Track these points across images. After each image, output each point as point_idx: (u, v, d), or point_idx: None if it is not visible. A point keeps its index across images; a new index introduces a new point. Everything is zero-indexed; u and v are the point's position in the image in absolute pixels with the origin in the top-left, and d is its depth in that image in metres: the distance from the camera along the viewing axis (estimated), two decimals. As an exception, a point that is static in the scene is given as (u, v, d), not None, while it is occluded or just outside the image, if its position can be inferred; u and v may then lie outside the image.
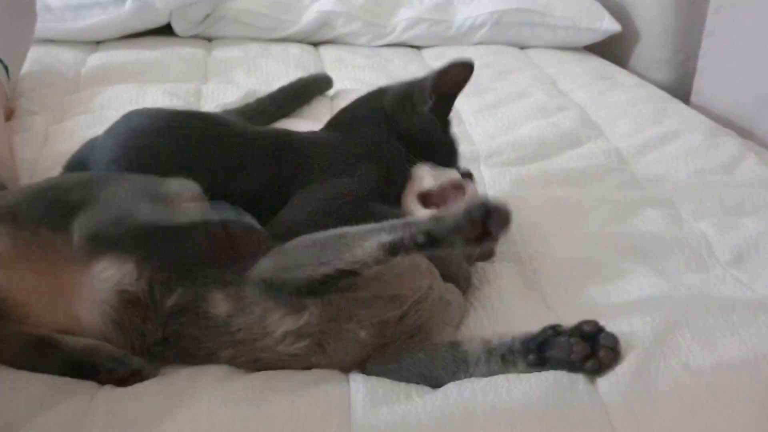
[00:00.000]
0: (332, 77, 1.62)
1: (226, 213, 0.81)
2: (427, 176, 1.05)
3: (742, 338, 0.83)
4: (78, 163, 1.03)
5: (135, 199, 0.83)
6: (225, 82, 1.55)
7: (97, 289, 0.79)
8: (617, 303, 0.93)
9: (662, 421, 0.74)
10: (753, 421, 0.74)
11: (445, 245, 0.76)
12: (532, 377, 0.78)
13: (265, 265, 0.80)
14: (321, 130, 1.11)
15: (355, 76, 1.66)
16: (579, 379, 0.78)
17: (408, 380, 0.81)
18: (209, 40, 1.85)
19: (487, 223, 0.74)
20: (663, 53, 1.89)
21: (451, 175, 1.06)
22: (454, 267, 0.92)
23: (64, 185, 0.85)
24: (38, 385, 0.78)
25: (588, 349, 0.78)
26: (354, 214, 0.91)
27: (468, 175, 1.08)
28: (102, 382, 0.79)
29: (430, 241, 0.75)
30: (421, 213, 1.01)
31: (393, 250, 0.76)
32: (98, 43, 1.76)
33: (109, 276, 0.79)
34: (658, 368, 0.79)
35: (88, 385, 0.78)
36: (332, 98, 1.54)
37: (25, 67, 1.52)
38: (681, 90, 1.83)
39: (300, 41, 1.87)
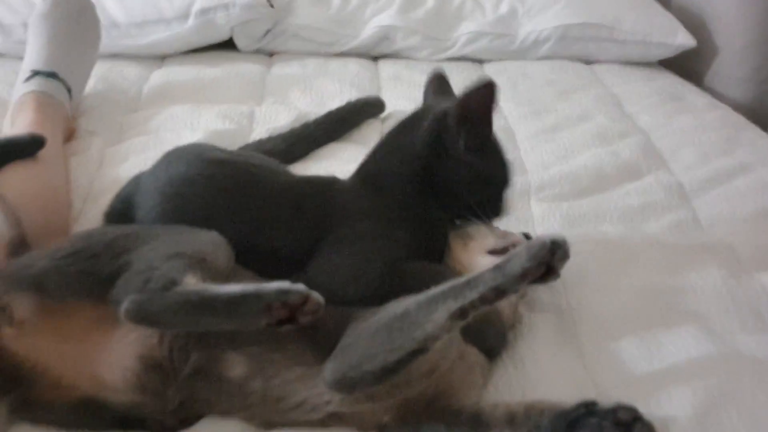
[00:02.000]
0: (387, 96, 1.60)
1: (280, 283, 0.77)
2: (490, 235, 0.99)
3: (794, 418, 0.77)
4: (123, 200, 1.05)
5: (176, 266, 0.80)
6: (279, 103, 1.55)
7: (120, 354, 0.80)
8: (659, 368, 0.87)
9: None
10: None
11: (512, 293, 0.75)
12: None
13: (335, 367, 0.77)
14: (351, 179, 1.04)
15: (410, 95, 1.63)
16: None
17: None
18: (270, 55, 1.85)
19: (551, 261, 0.75)
20: (743, 70, 1.78)
21: (514, 237, 0.99)
22: (482, 325, 0.88)
23: (93, 250, 0.84)
24: None
25: None
26: (388, 278, 0.89)
27: (527, 237, 1.02)
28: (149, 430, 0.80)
29: (500, 292, 0.75)
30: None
31: (463, 314, 0.75)
32: (163, 59, 1.79)
33: (131, 341, 0.80)
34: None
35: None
36: (383, 120, 1.51)
37: (90, 84, 1.55)
38: (762, 110, 1.72)
39: (359, 55, 1.85)
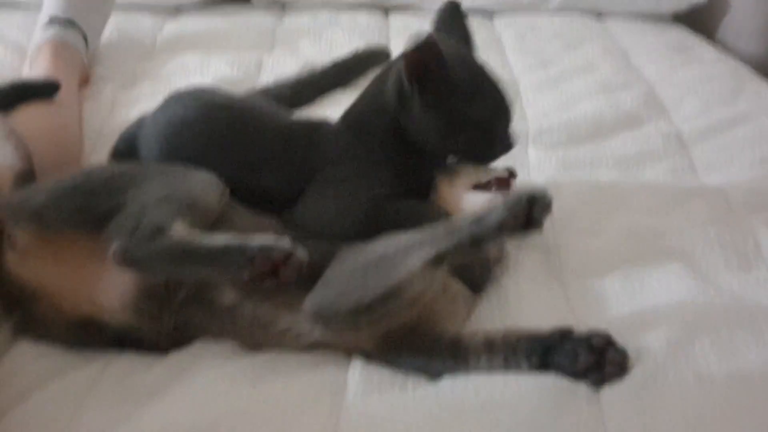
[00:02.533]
0: (397, 47, 1.61)
1: (265, 238, 0.80)
2: (474, 171, 1.01)
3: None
4: (126, 141, 1.10)
5: (165, 211, 0.83)
6: (288, 52, 1.58)
7: (118, 281, 0.84)
8: (639, 305, 0.89)
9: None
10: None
11: (491, 244, 0.78)
12: (530, 378, 0.77)
13: (313, 299, 0.80)
14: (338, 122, 1.05)
15: (419, 46, 1.64)
16: (580, 387, 0.77)
17: (407, 371, 0.82)
18: (282, 6, 1.87)
19: (530, 213, 0.76)
20: (755, 23, 1.76)
21: (497, 172, 1.01)
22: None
23: (90, 187, 0.88)
24: (54, 355, 0.85)
25: (593, 361, 0.76)
26: (372, 214, 0.92)
27: (511, 174, 1.03)
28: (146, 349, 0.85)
29: (476, 243, 0.76)
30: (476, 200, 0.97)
31: (439, 261, 0.78)
32: (177, 10, 1.82)
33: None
34: (667, 378, 0.77)
35: (106, 355, 0.84)
36: (390, 70, 1.53)
37: (106, 33, 1.59)
38: (773, 63, 1.71)
39: (371, 6, 1.86)
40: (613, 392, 0.76)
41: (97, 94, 1.40)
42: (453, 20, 1.09)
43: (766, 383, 0.76)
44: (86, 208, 0.85)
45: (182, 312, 0.84)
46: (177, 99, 1.06)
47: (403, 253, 0.78)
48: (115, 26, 1.64)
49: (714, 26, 1.87)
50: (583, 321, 0.88)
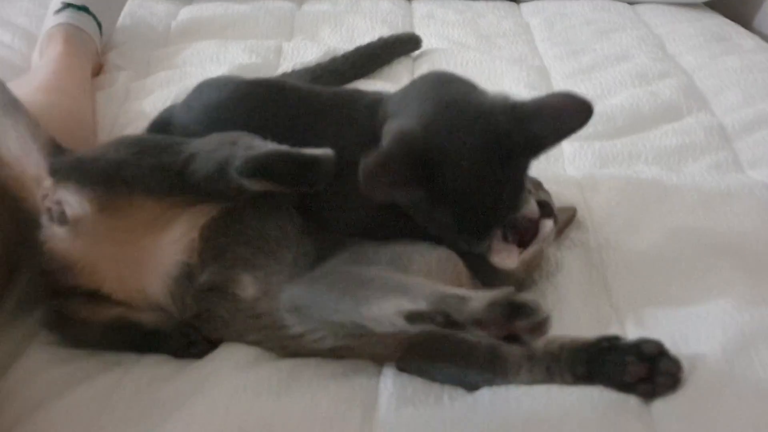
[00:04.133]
0: (421, 34, 1.55)
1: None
2: None
3: (829, 357, 0.73)
4: (159, 130, 1.05)
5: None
6: (308, 39, 1.52)
7: (166, 260, 0.80)
8: (689, 309, 0.83)
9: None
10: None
11: (467, 330, 0.63)
12: (576, 391, 0.72)
13: (292, 292, 0.76)
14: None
15: (443, 34, 1.58)
16: (629, 399, 0.71)
17: (441, 382, 0.76)
18: (302, -9, 1.81)
19: (513, 324, 0.61)
20: (793, 11, 1.69)
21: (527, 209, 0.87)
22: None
23: (159, 145, 0.84)
24: (67, 364, 0.81)
25: (645, 372, 0.70)
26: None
27: (546, 206, 0.90)
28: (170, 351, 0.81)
29: (450, 323, 0.63)
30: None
31: (411, 319, 0.65)
32: (192, -5, 1.76)
33: (177, 247, 0.80)
34: (724, 393, 0.71)
35: (122, 363, 0.80)
36: (415, 59, 1.47)
37: (119, 20, 1.54)
38: (813, 54, 1.63)
39: (393, -7, 1.79)
40: (665, 405, 0.71)
41: (111, 82, 1.35)
42: (560, 115, 0.83)
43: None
44: (161, 165, 0.81)
45: (204, 300, 0.80)
46: (208, 85, 1.01)
47: (382, 295, 0.68)
48: (128, 13, 1.58)
49: (750, 14, 1.79)
50: (629, 327, 0.83)
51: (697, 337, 0.78)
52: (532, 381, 0.74)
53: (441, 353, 0.77)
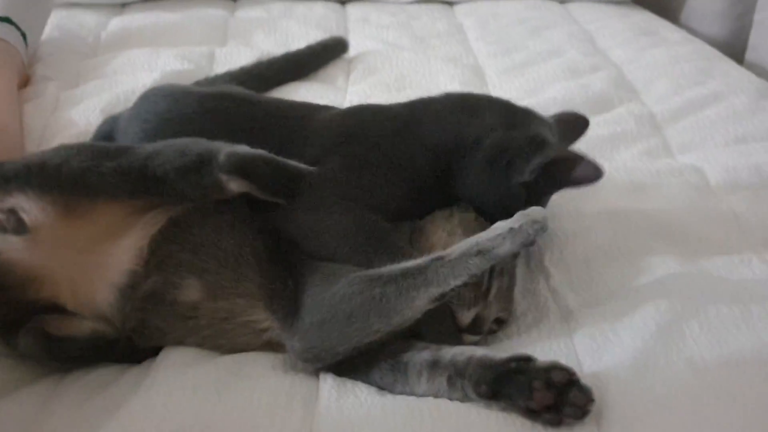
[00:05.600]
0: (356, 38, 1.56)
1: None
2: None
3: (758, 332, 0.75)
4: (102, 138, 1.03)
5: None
6: (242, 45, 1.51)
7: (116, 268, 0.78)
8: (623, 286, 0.85)
9: (656, 424, 0.67)
10: (761, 424, 0.66)
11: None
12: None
13: (307, 342, 0.74)
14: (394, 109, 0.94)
15: (378, 36, 1.59)
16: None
17: (354, 379, 0.75)
18: (234, 0, 1.80)
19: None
20: (717, 5, 1.74)
21: None
22: None
23: (113, 151, 0.82)
24: (11, 367, 0.78)
25: (551, 400, 0.66)
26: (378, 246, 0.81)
27: None
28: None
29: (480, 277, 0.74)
30: None
31: (442, 298, 0.73)
32: (123, 6, 1.73)
33: (128, 255, 0.78)
34: (657, 364, 0.73)
35: (59, 370, 0.78)
36: (351, 61, 1.47)
37: (46, 31, 1.50)
38: (737, 46, 1.68)
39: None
40: (603, 381, 0.71)
41: (38, 94, 1.30)
42: (570, 130, 1.00)
43: (758, 366, 0.71)
44: (123, 166, 0.79)
45: (142, 309, 0.78)
46: (160, 96, 0.99)
47: (407, 296, 0.72)
48: (55, 24, 1.55)
49: (677, 9, 1.85)
50: (567, 306, 0.85)
51: (632, 315, 0.79)
52: (432, 392, 0.71)
53: (347, 357, 0.75)
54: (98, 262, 0.78)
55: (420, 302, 0.72)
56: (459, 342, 0.77)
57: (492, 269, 0.80)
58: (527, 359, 0.69)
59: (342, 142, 0.89)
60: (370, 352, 0.74)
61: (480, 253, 0.72)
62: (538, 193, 0.88)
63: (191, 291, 0.78)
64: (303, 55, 1.38)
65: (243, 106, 0.96)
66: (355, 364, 0.74)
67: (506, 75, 1.41)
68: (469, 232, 0.83)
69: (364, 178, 0.86)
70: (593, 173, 0.85)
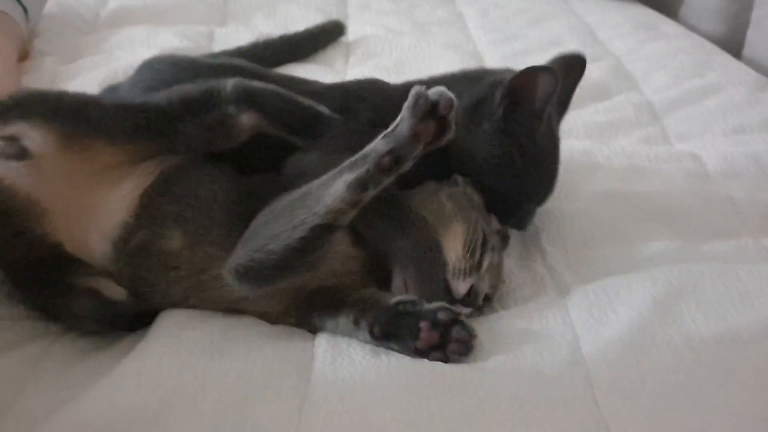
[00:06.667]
0: (356, 23, 1.56)
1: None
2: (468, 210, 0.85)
3: (755, 310, 0.75)
4: None
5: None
6: (242, 26, 1.50)
7: (111, 217, 0.77)
8: (620, 265, 0.85)
9: (652, 399, 0.67)
10: (756, 401, 0.67)
11: (410, 156, 0.71)
12: (514, 347, 0.72)
13: (238, 253, 0.74)
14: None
15: (378, 22, 1.59)
16: (562, 348, 0.72)
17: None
18: (234, -18, 1.79)
19: (436, 113, 0.71)
20: (715, 3, 1.74)
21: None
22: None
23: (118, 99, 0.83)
24: (5, 330, 0.77)
25: (436, 339, 0.70)
26: None
27: (503, 236, 0.89)
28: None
29: (395, 159, 0.71)
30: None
31: (362, 185, 0.71)
32: (122, -15, 1.72)
33: (122, 204, 0.78)
34: (654, 339, 0.73)
35: (51, 333, 0.77)
36: (350, 44, 1.47)
37: (46, 7, 1.50)
38: (734, 42, 1.68)
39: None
40: (598, 355, 0.71)
41: (36, 67, 1.31)
42: (569, 72, 0.96)
43: (754, 344, 0.72)
44: (126, 105, 0.80)
45: (132, 262, 0.77)
46: (158, 63, 0.98)
47: (325, 185, 0.72)
48: (55, 2, 1.54)
49: (675, 6, 1.85)
50: (565, 285, 0.84)
51: (628, 291, 0.79)
52: (345, 331, 0.73)
53: (316, 305, 0.76)
54: (94, 205, 0.78)
55: (337, 188, 0.71)
56: None
57: (484, 242, 0.80)
58: (413, 302, 0.71)
59: (351, 105, 0.88)
60: (337, 301, 0.75)
61: (385, 135, 0.72)
62: (520, 135, 0.85)
63: (174, 241, 0.78)
64: (300, 37, 1.38)
65: (253, 77, 0.95)
66: (324, 311, 0.75)
67: (506, 62, 1.40)
68: (458, 205, 0.83)
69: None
70: (555, 77, 0.82)
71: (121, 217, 0.78)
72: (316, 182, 0.73)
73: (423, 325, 0.69)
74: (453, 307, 0.71)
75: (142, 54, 1.28)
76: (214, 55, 1.24)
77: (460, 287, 0.77)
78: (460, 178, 0.86)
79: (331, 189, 0.71)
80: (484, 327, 0.77)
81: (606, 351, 0.72)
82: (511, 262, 0.88)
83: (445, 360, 0.69)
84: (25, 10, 1.38)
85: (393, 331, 0.71)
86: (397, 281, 0.77)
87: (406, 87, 0.80)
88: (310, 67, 1.34)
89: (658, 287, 0.78)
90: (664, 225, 0.92)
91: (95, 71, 1.26)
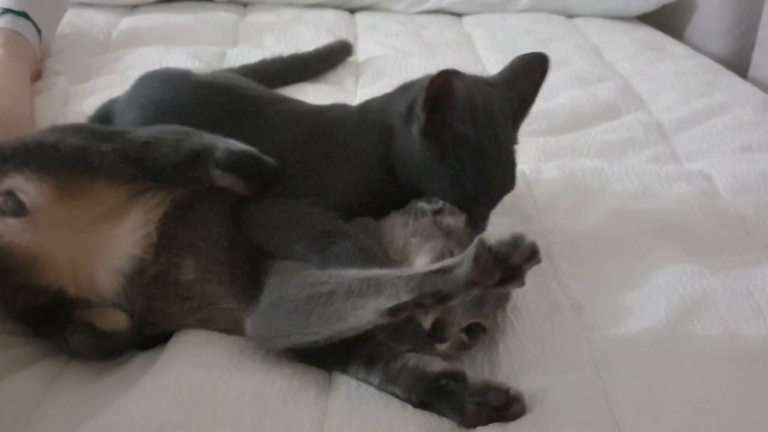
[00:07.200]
0: (365, 44, 1.58)
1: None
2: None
3: (768, 326, 0.76)
4: (100, 120, 1.03)
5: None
6: (253, 47, 1.52)
7: (120, 253, 0.77)
8: (633, 283, 0.85)
9: (670, 414, 0.68)
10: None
11: (460, 297, 0.64)
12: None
13: (255, 325, 0.73)
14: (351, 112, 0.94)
15: (387, 43, 1.61)
16: (576, 363, 0.72)
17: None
18: (244, 5, 1.82)
19: (507, 261, 0.62)
20: (721, 24, 1.76)
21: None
22: None
23: (110, 133, 0.82)
24: (14, 348, 0.77)
25: (485, 420, 0.66)
26: (326, 228, 0.79)
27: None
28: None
29: (442, 299, 0.64)
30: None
31: (393, 314, 0.65)
32: (134, 7, 1.75)
33: (131, 239, 0.78)
34: (669, 355, 0.73)
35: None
36: (360, 64, 1.48)
37: (58, 29, 1.52)
38: (739, 63, 1.70)
39: (336, 7, 1.81)
40: (614, 371, 0.72)
41: (50, 87, 1.32)
42: (531, 71, 0.95)
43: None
44: (122, 150, 0.79)
45: (148, 293, 0.77)
46: (156, 81, 0.99)
47: (355, 300, 0.66)
48: (67, 22, 1.56)
49: (681, 27, 1.87)
50: (577, 302, 0.84)
51: (641, 307, 0.80)
52: (370, 385, 0.71)
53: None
54: (99, 245, 0.78)
55: (366, 312, 0.66)
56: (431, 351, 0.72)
57: None
58: (460, 377, 0.68)
59: (304, 141, 0.89)
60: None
61: (439, 272, 0.64)
62: (447, 137, 0.82)
63: (188, 270, 0.78)
64: (308, 56, 1.39)
65: (239, 97, 0.95)
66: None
67: (514, 83, 1.42)
68: (424, 238, 0.78)
69: (321, 175, 0.86)
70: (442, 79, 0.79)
71: (132, 251, 0.77)
72: (345, 288, 0.67)
73: (470, 409, 0.66)
74: (502, 385, 0.68)
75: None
76: (213, 73, 1.25)
77: (424, 321, 0.71)
78: (427, 206, 0.83)
79: (360, 311, 0.66)
80: (500, 346, 0.77)
81: (622, 367, 0.73)
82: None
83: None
84: (38, 30, 1.39)
85: (433, 402, 0.68)
86: None
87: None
88: (321, 86, 1.35)
89: (672, 304, 0.79)
90: (676, 243, 0.92)
91: (108, 91, 1.26)
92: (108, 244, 0.78)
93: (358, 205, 0.85)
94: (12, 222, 0.75)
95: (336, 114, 0.94)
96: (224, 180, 0.80)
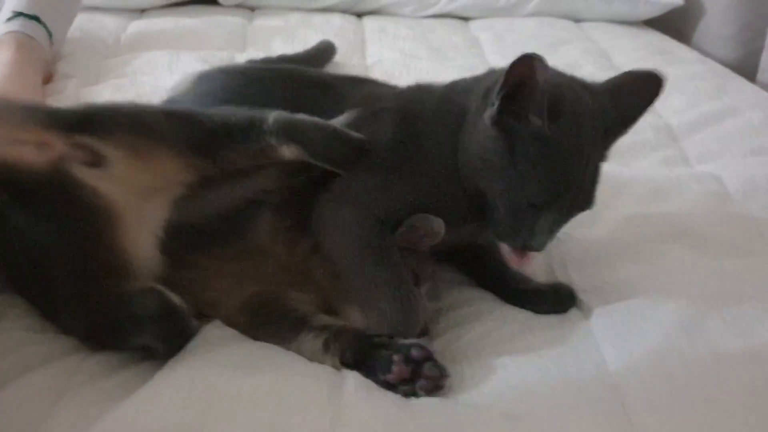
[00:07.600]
0: (373, 47, 1.59)
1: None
2: None
3: (783, 327, 0.75)
4: None
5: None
6: (261, 51, 1.52)
7: (158, 216, 0.79)
8: (644, 286, 0.85)
9: (685, 414, 0.67)
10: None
11: None
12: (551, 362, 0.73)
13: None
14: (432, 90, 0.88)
15: (395, 46, 1.61)
16: (587, 365, 0.73)
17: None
18: (252, 9, 1.82)
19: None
20: (729, 29, 1.77)
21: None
22: None
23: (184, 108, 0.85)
24: (31, 345, 0.77)
25: (407, 374, 0.70)
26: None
27: None
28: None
29: None
30: None
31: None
32: (142, 11, 1.75)
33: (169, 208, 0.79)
34: (683, 356, 0.73)
35: (83, 348, 0.76)
36: (368, 67, 1.49)
37: (69, 33, 1.52)
38: (747, 68, 1.70)
39: (344, 11, 1.82)
40: (627, 368, 0.72)
41: (61, 89, 1.32)
42: (640, 88, 0.86)
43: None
44: (192, 121, 0.80)
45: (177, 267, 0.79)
46: (211, 75, 1.00)
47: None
48: (77, 26, 1.56)
49: (689, 32, 1.87)
50: (593, 309, 0.84)
51: (653, 310, 0.79)
52: (309, 352, 0.75)
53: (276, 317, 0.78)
54: (145, 214, 0.78)
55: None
56: None
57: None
58: (390, 336, 0.73)
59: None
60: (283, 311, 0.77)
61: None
62: (518, 130, 0.74)
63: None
64: (298, 58, 1.39)
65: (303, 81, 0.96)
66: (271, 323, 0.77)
67: (523, 86, 1.42)
68: None
69: (391, 170, 0.81)
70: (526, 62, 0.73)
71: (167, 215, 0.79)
72: None
73: (396, 358, 0.70)
74: (426, 345, 0.72)
75: (164, 78, 1.32)
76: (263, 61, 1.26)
77: None
78: None
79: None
80: (508, 346, 0.78)
81: (636, 368, 0.73)
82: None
83: (413, 394, 0.70)
84: (50, 33, 1.40)
85: (364, 360, 0.72)
86: (356, 317, 0.79)
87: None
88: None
89: (684, 305, 0.79)
90: (688, 246, 0.92)
91: (118, 94, 1.27)
92: (152, 214, 0.79)
93: (427, 207, 0.80)
94: (94, 171, 0.76)
95: (416, 96, 0.87)
96: (287, 150, 0.78)
